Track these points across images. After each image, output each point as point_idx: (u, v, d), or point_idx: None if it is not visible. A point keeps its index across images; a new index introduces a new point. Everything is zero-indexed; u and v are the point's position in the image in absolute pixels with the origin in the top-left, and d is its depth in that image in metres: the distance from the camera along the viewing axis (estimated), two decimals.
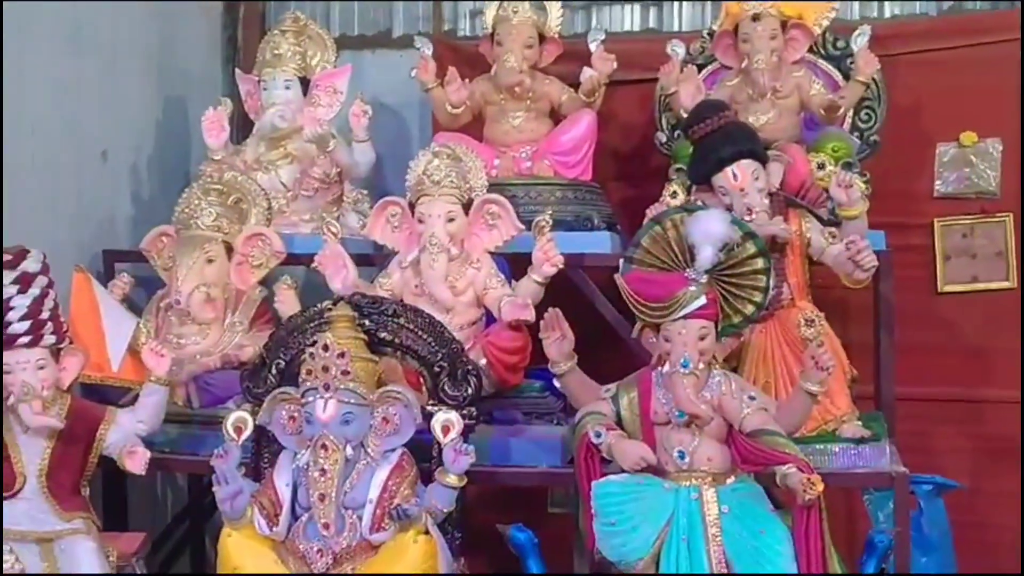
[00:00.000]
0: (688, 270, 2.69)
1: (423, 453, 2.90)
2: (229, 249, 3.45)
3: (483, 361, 3.11)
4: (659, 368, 2.73)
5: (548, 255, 3.18)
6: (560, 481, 3.10)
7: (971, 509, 3.77)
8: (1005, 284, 3.95)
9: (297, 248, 3.55)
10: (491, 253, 3.32)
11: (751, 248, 2.71)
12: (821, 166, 3.13)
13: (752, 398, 2.70)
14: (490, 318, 3.31)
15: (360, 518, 2.74)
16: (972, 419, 3.94)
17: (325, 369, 2.74)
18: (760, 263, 2.70)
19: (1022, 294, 3.89)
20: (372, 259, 3.54)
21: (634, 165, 4.11)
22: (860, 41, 3.51)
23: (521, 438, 3.16)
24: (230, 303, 3.43)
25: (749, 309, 2.73)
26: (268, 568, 2.68)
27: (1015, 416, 3.88)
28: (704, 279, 2.68)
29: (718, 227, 2.66)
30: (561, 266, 3.19)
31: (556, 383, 3.23)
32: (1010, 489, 3.87)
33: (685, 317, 2.67)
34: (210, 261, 3.40)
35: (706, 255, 2.67)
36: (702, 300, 2.66)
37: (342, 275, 3.25)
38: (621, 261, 2.84)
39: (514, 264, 3.37)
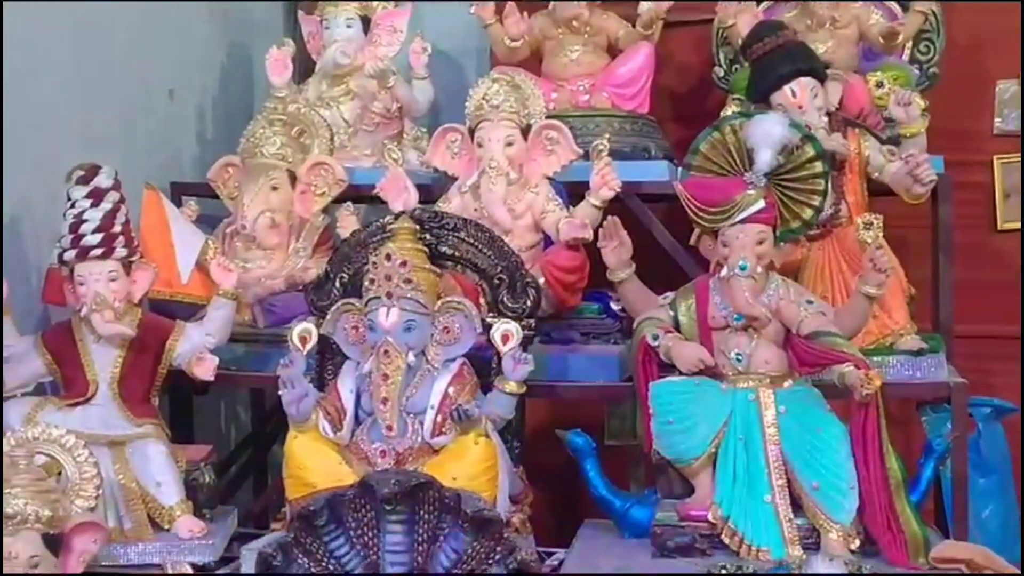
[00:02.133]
0: (747, 174, 2.71)
1: (484, 369, 2.94)
2: (293, 178, 3.52)
3: (542, 280, 3.15)
4: (717, 274, 2.75)
5: (606, 179, 3.21)
6: (618, 395, 3.13)
7: None
8: None
9: (359, 180, 3.61)
10: (550, 179, 3.35)
11: (810, 151, 2.72)
12: (880, 84, 3.14)
13: (810, 302, 2.72)
14: (548, 243, 3.35)
15: (421, 423, 2.78)
16: None
17: (387, 278, 2.79)
18: (819, 166, 2.72)
19: None
20: (433, 191, 3.59)
21: (692, 105, 4.13)
22: None
23: (579, 355, 3.20)
24: (294, 230, 3.50)
25: (808, 213, 2.74)
26: (333, 468, 2.72)
27: None
28: (763, 183, 2.70)
29: (777, 129, 2.68)
30: (619, 190, 3.22)
31: (613, 305, 3.29)
32: None
33: (743, 221, 2.69)
34: (275, 188, 3.47)
35: (765, 158, 2.69)
36: (760, 204, 2.69)
37: (403, 198, 3.29)
38: (679, 168, 2.87)
39: (573, 194, 3.40)
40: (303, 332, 2.87)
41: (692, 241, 2.83)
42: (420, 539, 2.55)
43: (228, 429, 4.04)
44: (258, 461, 3.90)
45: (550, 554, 2.91)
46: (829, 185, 2.75)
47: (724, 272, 2.71)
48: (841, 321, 2.70)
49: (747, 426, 2.65)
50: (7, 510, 2.48)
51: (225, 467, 3.79)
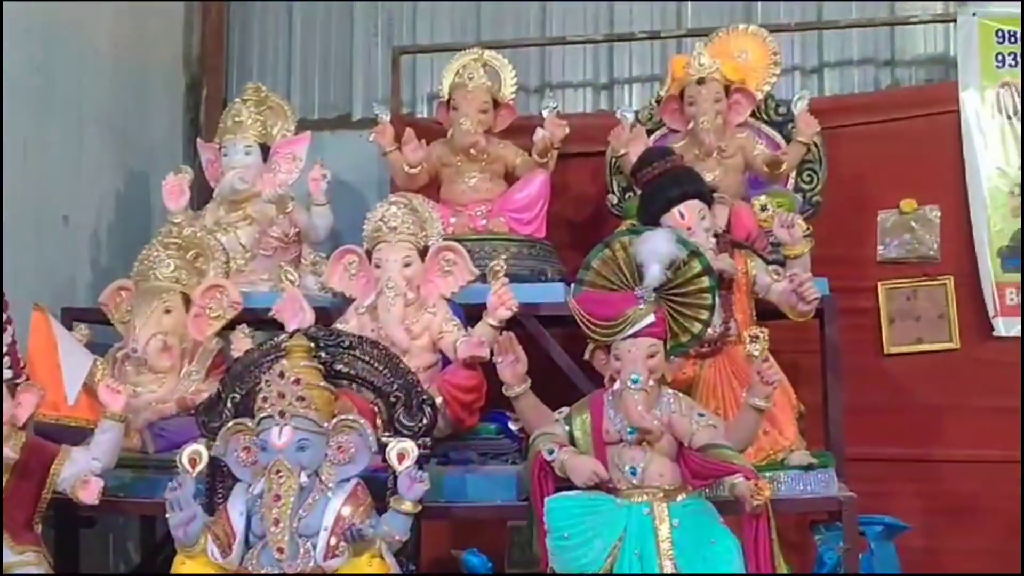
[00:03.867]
0: (637, 289, 2.77)
1: (379, 491, 2.91)
2: (187, 302, 3.50)
3: (439, 400, 3.14)
4: (611, 388, 2.78)
5: (503, 299, 3.25)
6: (515, 514, 3.11)
7: (924, 568, 3.80)
8: (948, 344, 4.06)
9: (255, 303, 3.59)
10: (447, 299, 3.38)
11: (697, 266, 2.79)
12: (764, 208, 3.25)
13: (701, 415, 2.76)
14: (446, 364, 3.36)
15: (314, 546, 2.72)
16: (924, 478, 4.00)
17: (280, 396, 2.76)
18: (706, 281, 2.79)
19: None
20: (331, 314, 3.58)
21: (588, 232, 4.21)
22: (800, 105, 3.69)
23: (477, 475, 3.18)
24: (187, 353, 3.47)
25: (696, 327, 2.80)
26: None
27: (966, 474, 3.96)
28: (652, 297, 2.76)
29: (664, 245, 2.76)
30: (516, 310, 3.26)
31: (511, 425, 3.29)
32: (964, 547, 3.91)
33: (635, 335, 2.74)
34: (168, 311, 3.45)
35: (654, 273, 2.76)
36: (651, 318, 2.74)
37: (299, 318, 3.30)
38: (572, 284, 2.92)
39: (470, 316, 3.43)
40: (193, 454, 2.82)
41: (586, 356, 2.87)
42: None
43: (116, 562, 3.90)
44: None
45: None
46: (717, 300, 2.82)
47: (617, 386, 2.74)
48: (731, 434, 2.74)
49: (642, 540, 2.65)
50: None
51: None
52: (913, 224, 4.13)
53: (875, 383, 4.04)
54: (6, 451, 2.86)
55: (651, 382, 2.74)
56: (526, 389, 2.93)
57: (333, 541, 2.71)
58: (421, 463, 2.86)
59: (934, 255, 4.10)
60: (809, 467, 3.04)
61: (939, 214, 4.11)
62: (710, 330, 2.93)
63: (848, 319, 3.64)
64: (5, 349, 2.93)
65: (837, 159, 3.94)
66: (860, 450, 3.64)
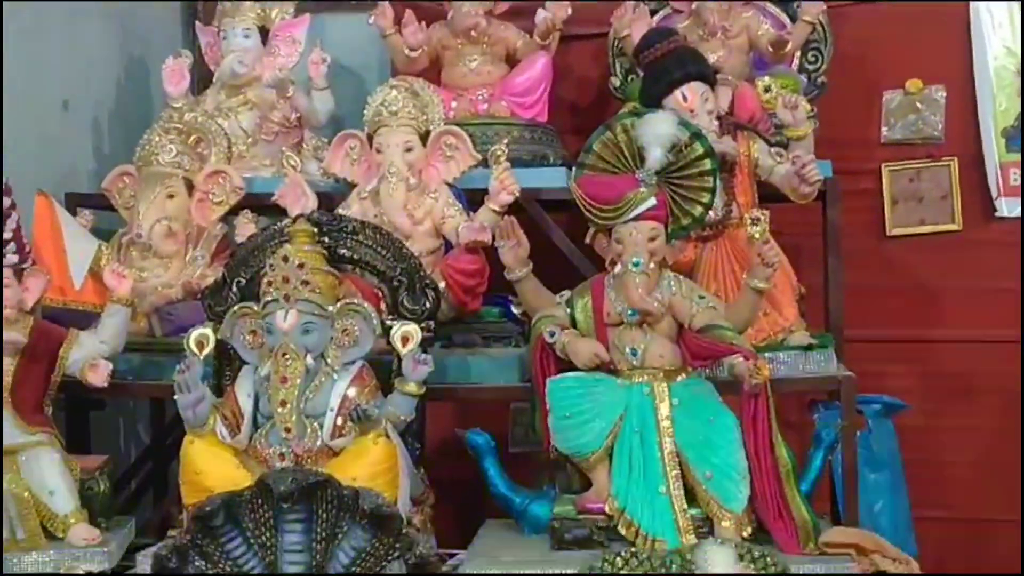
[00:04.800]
0: (638, 172, 2.77)
1: (384, 374, 2.94)
2: (190, 187, 3.50)
3: (442, 285, 3.17)
4: (611, 271, 2.80)
5: (505, 183, 3.25)
6: (517, 396, 3.15)
7: (923, 447, 3.87)
8: (951, 226, 4.06)
9: (257, 189, 3.59)
10: (449, 185, 3.38)
11: (699, 148, 2.78)
12: (768, 89, 3.22)
13: (702, 297, 2.78)
14: (448, 249, 3.37)
15: (321, 426, 2.78)
16: (923, 359, 4.04)
17: (285, 280, 2.78)
18: (708, 164, 2.78)
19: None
20: (333, 199, 3.58)
21: (590, 116, 4.18)
22: None
23: (480, 358, 3.22)
24: (191, 238, 3.48)
25: (698, 210, 2.81)
26: (230, 472, 2.70)
27: (964, 354, 3.99)
28: (654, 180, 2.76)
29: (666, 128, 2.75)
30: (518, 195, 3.26)
31: (513, 308, 3.32)
32: (960, 425, 3.97)
33: (636, 219, 2.74)
34: (171, 196, 3.45)
35: (655, 156, 2.75)
36: (652, 201, 2.74)
37: (302, 203, 3.30)
38: (574, 167, 2.91)
39: (472, 201, 3.43)
40: (200, 337, 2.85)
41: (587, 239, 2.88)
42: (318, 538, 2.52)
43: (127, 445, 3.98)
44: (157, 475, 3.84)
45: (452, 555, 2.91)
46: (718, 183, 2.82)
47: (618, 269, 2.75)
48: (731, 316, 2.77)
49: (642, 420, 2.70)
50: None
51: (124, 482, 3.73)
52: (919, 105, 4.09)
53: (876, 265, 4.05)
54: (15, 335, 2.89)
55: (652, 265, 2.75)
56: (528, 273, 2.95)
57: (339, 421, 2.77)
58: (425, 346, 2.90)
59: (939, 136, 4.07)
60: (809, 347, 3.07)
61: (944, 94, 4.07)
62: (711, 213, 2.93)
63: (850, 201, 3.63)
64: (10, 235, 2.94)
65: (843, 39, 3.89)
66: (860, 332, 3.67)
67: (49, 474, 2.84)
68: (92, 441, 3.51)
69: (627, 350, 2.77)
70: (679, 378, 2.77)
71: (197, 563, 2.53)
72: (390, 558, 2.52)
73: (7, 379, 2.92)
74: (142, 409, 3.96)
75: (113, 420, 3.89)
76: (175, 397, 2.76)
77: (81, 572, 2.55)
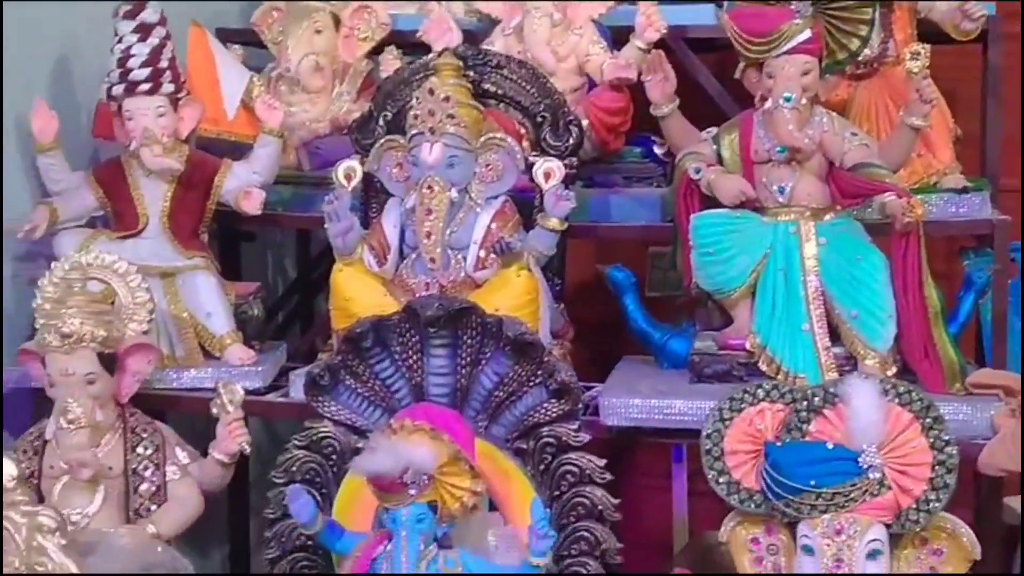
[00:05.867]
0: (793, 3, 2.68)
1: (526, 211, 2.96)
2: (337, 23, 3.53)
3: (585, 123, 3.15)
4: (761, 107, 2.74)
5: (651, 20, 3.19)
6: (658, 235, 3.14)
7: None
8: None
9: (402, 26, 3.59)
10: (594, 21, 3.33)
11: None
12: None
13: (854, 134, 2.71)
14: (592, 87, 3.34)
15: (464, 258, 2.82)
16: None
17: (431, 113, 2.80)
18: None
19: None
20: (477, 38, 3.57)
21: None
22: None
23: (621, 197, 3.21)
24: (338, 74, 3.51)
25: (854, 44, 2.71)
26: (378, 299, 2.77)
27: None
28: (809, 12, 2.67)
29: None
30: (664, 32, 3.20)
31: (656, 149, 3.29)
32: None
33: (789, 52, 2.67)
34: (318, 31, 3.48)
35: None
36: (807, 33, 2.66)
37: (447, 38, 3.30)
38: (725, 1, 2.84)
39: (616, 39, 3.38)
40: (348, 170, 2.90)
41: (737, 75, 2.82)
42: (463, 363, 2.60)
43: (274, 278, 4.10)
44: (304, 307, 3.97)
45: (589, 388, 2.96)
46: (876, 16, 2.72)
47: (769, 104, 2.70)
48: (884, 154, 2.69)
49: (787, 258, 2.67)
50: (64, 329, 2.57)
51: (272, 314, 3.86)
52: None
53: None
54: (172, 162, 2.99)
55: (804, 100, 2.68)
56: (674, 109, 2.90)
57: (482, 254, 2.80)
58: (567, 183, 2.91)
59: None
60: (963, 190, 2.98)
61: None
62: (867, 49, 2.83)
63: (1013, 44, 3.47)
64: (166, 64, 3.01)
65: None
66: (1015, 182, 3.55)
67: (206, 296, 2.96)
68: (243, 273, 3.62)
69: (774, 188, 2.73)
70: (826, 217, 2.72)
71: (347, 382, 2.63)
72: (532, 384, 2.58)
73: (165, 205, 3.03)
74: (289, 242, 4.07)
75: (262, 254, 4.01)
76: (325, 226, 2.82)
77: (239, 389, 2.66)
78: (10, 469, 1.88)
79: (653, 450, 3.53)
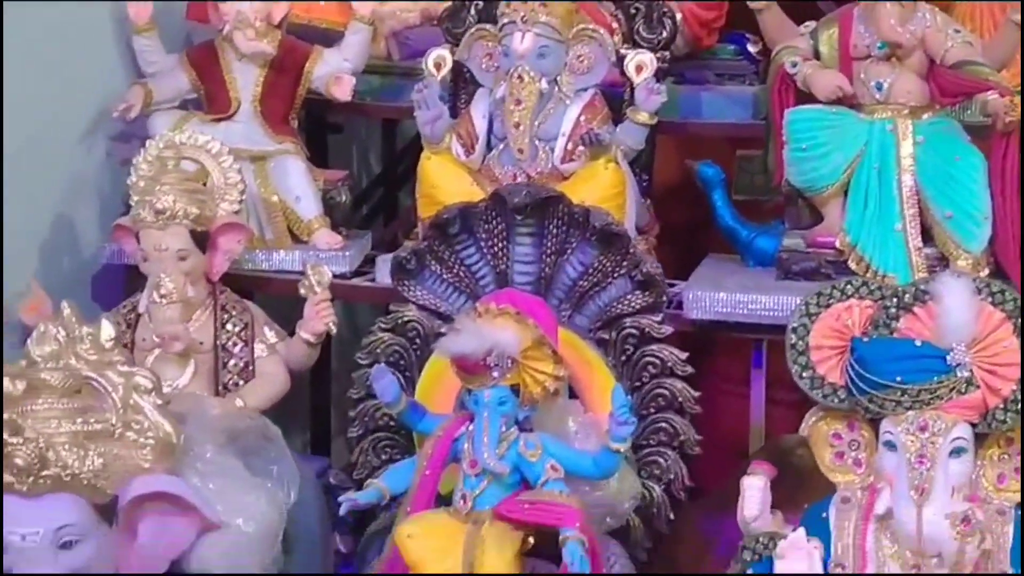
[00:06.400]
0: None
1: (616, 106, 2.93)
2: None
3: (679, 16, 3.10)
4: (861, 2, 2.67)
5: None
6: (750, 133, 3.11)
7: None
8: None
9: None
10: None
11: None
12: None
13: (957, 31, 2.64)
14: None
15: (552, 149, 2.81)
16: None
17: (523, 2, 2.77)
18: None
19: None
20: None
21: None
22: None
23: (712, 94, 3.17)
24: None
25: None
26: (465, 188, 2.78)
27: None
28: None
29: None
30: None
31: (750, 47, 3.23)
32: None
33: None
34: None
35: None
36: None
37: None
38: None
39: None
40: (438, 58, 2.89)
41: None
42: (548, 251, 2.61)
43: (360, 171, 4.13)
44: (388, 201, 3.99)
45: (672, 285, 2.95)
46: None
47: None
48: (988, 53, 2.62)
49: (882, 156, 2.62)
50: (158, 205, 2.62)
51: (356, 206, 3.89)
52: None
53: None
54: (264, 46, 3.00)
55: None
56: (771, 2, 2.84)
57: (570, 146, 2.79)
58: (658, 78, 2.87)
59: None
60: None
61: None
62: None
63: None
64: None
65: None
66: None
67: (295, 180, 3.00)
68: (329, 166, 3.64)
69: (872, 84, 2.67)
70: (925, 116, 2.66)
71: (433, 267, 2.66)
72: (616, 274, 2.59)
73: (256, 89, 3.05)
74: (375, 137, 4.08)
75: (347, 147, 4.03)
76: (415, 114, 2.83)
77: (327, 270, 2.69)
78: (108, 330, 1.93)
79: (731, 356, 3.52)
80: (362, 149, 4.14)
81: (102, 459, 1.82)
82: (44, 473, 1.78)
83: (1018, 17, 2.57)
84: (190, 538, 1.89)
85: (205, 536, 1.90)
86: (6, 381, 1.85)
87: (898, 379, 2.13)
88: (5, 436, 1.79)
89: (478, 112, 2.87)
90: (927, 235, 2.61)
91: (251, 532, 1.93)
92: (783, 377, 2.96)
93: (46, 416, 1.83)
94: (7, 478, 1.77)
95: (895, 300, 2.23)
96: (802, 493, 2.38)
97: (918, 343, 2.16)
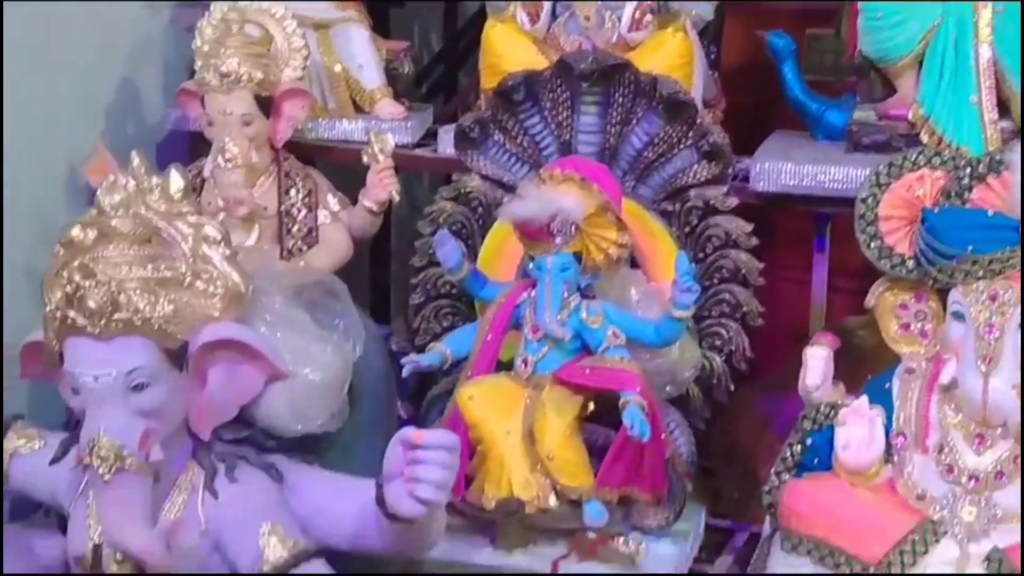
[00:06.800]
0: None
1: None
2: None
3: None
4: None
5: None
6: (821, 9, 3.04)
7: None
8: None
9: None
10: None
11: None
12: None
13: None
14: None
15: (619, 18, 2.77)
16: None
17: None
18: None
19: None
20: None
21: None
22: None
23: None
24: None
25: None
26: (530, 57, 2.74)
27: None
28: None
29: None
30: None
31: None
32: None
33: None
34: None
35: None
36: None
37: None
38: None
39: None
40: None
41: None
42: (613, 121, 2.58)
43: (420, 49, 4.08)
44: (448, 78, 3.96)
45: (738, 161, 2.91)
46: None
47: None
48: None
49: (960, 25, 2.54)
50: (223, 68, 2.61)
51: (417, 82, 3.86)
52: None
53: None
54: None
55: None
56: None
57: (638, 14, 2.75)
58: None
59: None
60: None
61: None
62: None
63: None
64: None
65: None
66: None
67: (359, 49, 2.97)
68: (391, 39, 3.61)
69: None
70: None
71: (496, 136, 2.64)
72: (683, 145, 2.56)
73: None
74: (436, 14, 4.04)
75: (409, 23, 3.99)
76: None
77: (390, 139, 2.68)
78: (177, 181, 1.94)
79: (792, 245, 3.48)
80: (423, 24, 4.09)
81: (172, 305, 1.84)
82: (116, 316, 1.80)
83: None
84: (258, 386, 1.92)
85: (273, 384, 1.93)
86: (76, 229, 1.87)
87: (969, 248, 2.09)
88: (77, 279, 1.82)
89: None
90: (1003, 108, 2.54)
91: (318, 381, 1.95)
92: (845, 263, 2.97)
93: (117, 262, 1.85)
94: (80, 320, 1.80)
95: (968, 170, 2.18)
96: (862, 372, 2.36)
97: (990, 213, 2.12)
